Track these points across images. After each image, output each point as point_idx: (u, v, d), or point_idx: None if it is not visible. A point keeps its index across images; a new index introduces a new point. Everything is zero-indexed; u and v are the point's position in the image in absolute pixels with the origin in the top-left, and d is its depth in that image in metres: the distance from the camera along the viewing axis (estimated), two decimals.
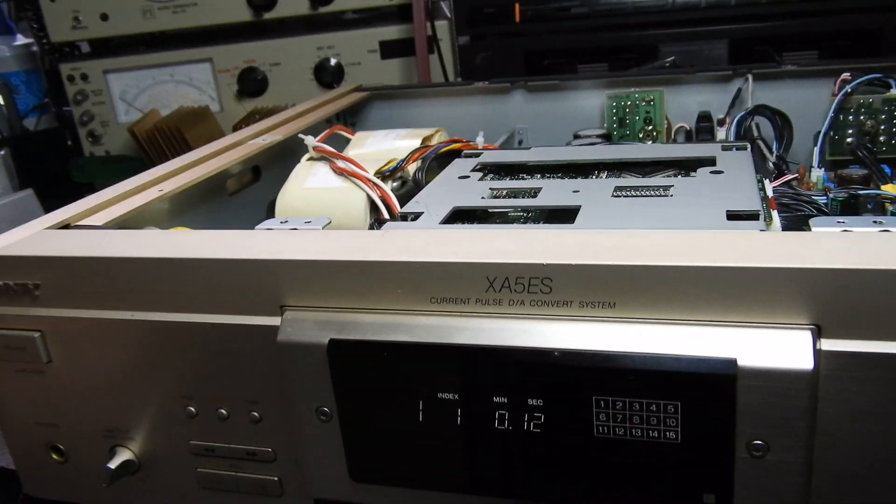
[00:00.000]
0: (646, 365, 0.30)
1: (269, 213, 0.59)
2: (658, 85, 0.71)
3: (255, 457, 0.38)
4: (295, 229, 0.39)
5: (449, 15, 1.02)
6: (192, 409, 0.38)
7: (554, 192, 0.44)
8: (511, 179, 0.50)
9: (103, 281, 0.37)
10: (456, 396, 0.33)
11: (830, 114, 0.65)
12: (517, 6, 0.98)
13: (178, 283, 0.36)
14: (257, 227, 0.41)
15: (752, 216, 0.37)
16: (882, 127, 0.65)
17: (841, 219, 0.33)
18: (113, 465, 0.40)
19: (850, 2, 0.87)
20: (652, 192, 0.43)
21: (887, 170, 0.60)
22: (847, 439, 0.29)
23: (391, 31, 1.04)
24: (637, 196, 0.43)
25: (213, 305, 0.36)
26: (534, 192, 0.45)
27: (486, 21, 0.99)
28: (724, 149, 0.50)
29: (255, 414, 0.37)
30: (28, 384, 0.41)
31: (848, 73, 0.66)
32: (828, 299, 0.28)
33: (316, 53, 1.05)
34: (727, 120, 0.65)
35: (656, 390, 0.30)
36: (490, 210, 0.44)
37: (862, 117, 0.66)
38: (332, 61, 1.05)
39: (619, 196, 0.43)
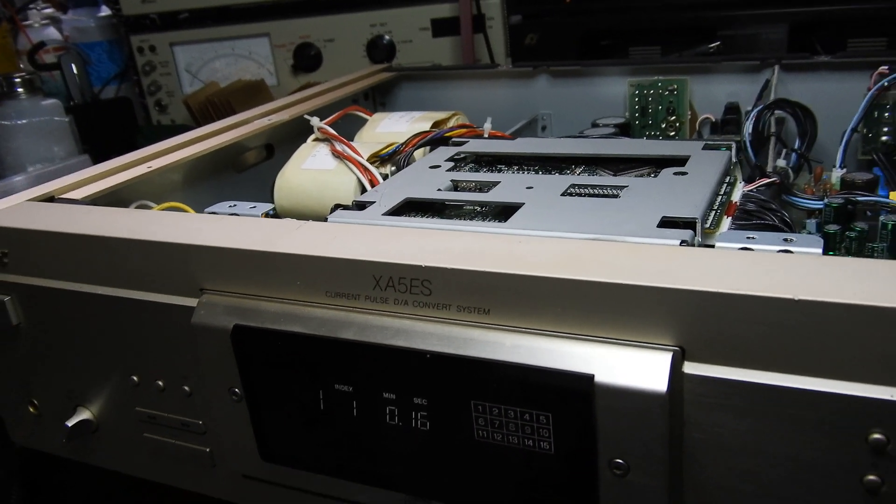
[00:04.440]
0: (514, 374, 0.29)
1: (272, 192, 0.61)
2: (684, 73, 0.68)
3: (188, 428, 0.40)
4: (235, 214, 0.41)
5: None
6: (136, 378, 0.41)
7: (509, 187, 0.44)
8: (482, 171, 0.50)
9: (59, 254, 0.40)
10: (351, 389, 0.33)
11: (861, 109, 0.60)
12: None
13: (117, 261, 0.38)
14: (206, 209, 0.43)
15: (686, 224, 0.36)
16: None
17: (752, 234, 0.32)
18: (70, 422, 0.43)
19: None
20: (601, 193, 0.42)
21: None
22: (715, 467, 0.28)
23: (443, 9, 1.04)
24: (585, 196, 0.42)
25: (146, 284, 0.38)
26: (489, 186, 0.45)
27: (538, 0, 0.98)
28: (706, 147, 0.48)
29: (186, 388, 0.39)
30: (4, 343, 0.44)
31: (886, 67, 0.61)
32: (692, 322, 0.27)
33: (369, 30, 1.06)
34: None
35: (527, 400, 0.30)
36: (443, 202, 0.44)
37: None
38: (385, 38, 1.06)
39: (569, 195, 0.42)
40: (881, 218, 0.45)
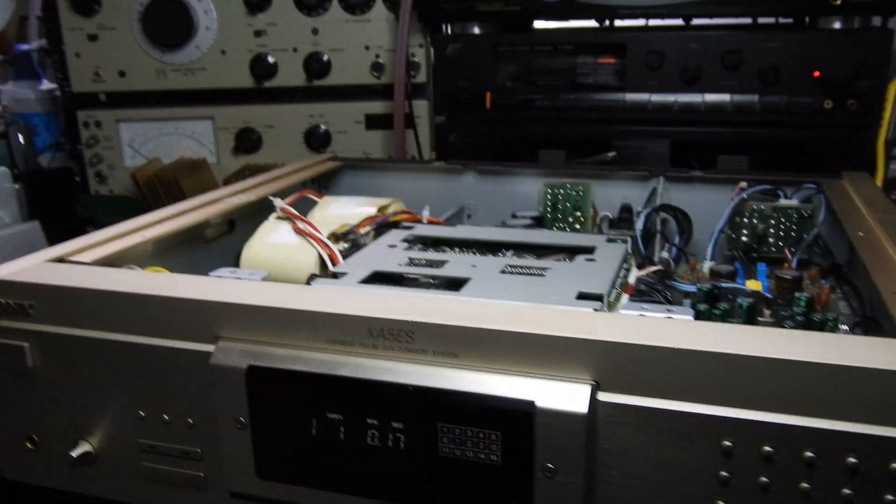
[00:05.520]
0: (475, 401, 0.40)
1: (238, 260, 0.69)
2: (588, 178, 0.82)
3: (187, 455, 0.48)
4: (238, 278, 0.50)
5: (429, 97, 1.14)
6: (142, 413, 0.48)
7: (457, 265, 0.55)
8: (431, 251, 0.61)
9: (80, 307, 0.48)
10: (340, 416, 0.43)
11: (726, 215, 0.75)
12: (489, 95, 1.10)
13: (136, 313, 0.46)
14: (210, 273, 0.51)
15: (597, 297, 0.48)
16: (771, 230, 0.76)
17: (646, 305, 0.44)
18: (74, 453, 0.50)
19: (779, 117, 0.99)
20: (531, 272, 0.54)
21: (762, 268, 0.70)
22: (618, 469, 0.39)
23: (376, 106, 1.16)
24: (519, 274, 0.53)
25: (164, 332, 0.46)
26: (440, 264, 0.55)
27: (461, 105, 1.11)
28: (608, 241, 0.61)
29: (190, 421, 0.47)
30: (14, 385, 0.51)
31: (744, 183, 0.77)
32: (604, 363, 0.38)
33: (308, 120, 1.17)
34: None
35: (483, 422, 0.40)
36: (404, 275, 0.55)
37: (755, 220, 0.77)
38: (322, 128, 1.17)
39: (506, 273, 0.53)
40: (738, 300, 0.58)
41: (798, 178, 0.76)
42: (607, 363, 0.38)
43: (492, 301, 0.46)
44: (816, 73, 0.95)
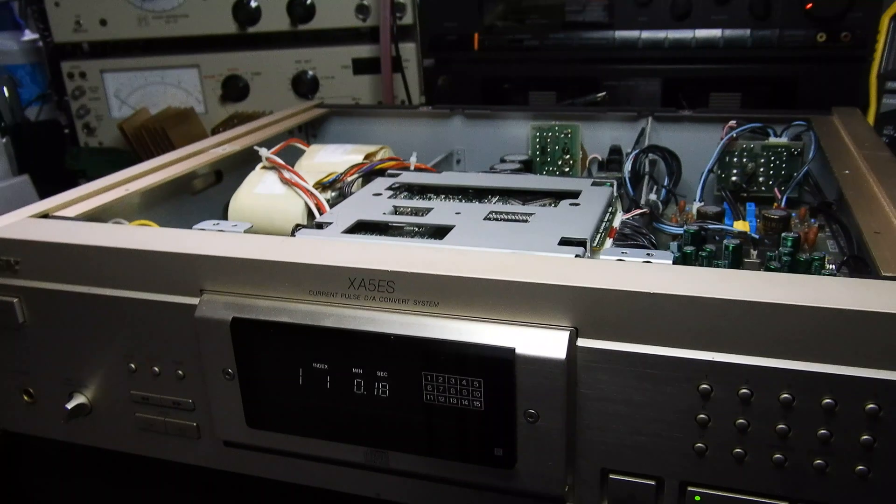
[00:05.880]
0: (457, 350, 0.40)
1: (226, 212, 0.69)
2: (576, 120, 0.82)
3: (179, 406, 0.49)
4: (221, 231, 0.50)
5: (416, 39, 1.13)
6: (133, 366, 0.49)
7: (441, 212, 0.55)
8: (416, 199, 0.61)
9: (67, 262, 0.48)
10: (326, 366, 0.43)
11: (715, 155, 0.75)
12: (476, 35, 1.08)
13: (122, 267, 0.47)
14: (194, 226, 0.51)
15: (579, 242, 0.48)
16: (761, 169, 0.76)
17: (627, 250, 0.44)
18: (69, 405, 0.51)
19: (771, 52, 0.98)
20: (515, 218, 0.54)
21: (751, 207, 0.70)
22: (599, 413, 0.40)
23: (363, 50, 1.14)
24: (503, 220, 0.53)
25: (150, 286, 0.47)
26: (425, 211, 0.55)
27: (449, 47, 1.10)
28: (594, 184, 0.60)
29: (180, 372, 0.48)
30: (7, 340, 0.52)
31: (734, 121, 0.76)
32: (583, 309, 0.39)
33: (294, 66, 1.16)
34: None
35: (465, 369, 0.40)
36: (388, 224, 0.55)
37: (745, 160, 0.76)
38: (309, 74, 1.16)
39: (490, 219, 0.53)
40: (724, 241, 0.59)
41: (788, 115, 0.75)
42: (585, 309, 0.39)
43: (474, 249, 0.46)
44: (809, 5, 0.93)
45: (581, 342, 0.39)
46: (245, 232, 0.50)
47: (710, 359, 0.37)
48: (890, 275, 0.39)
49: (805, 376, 0.36)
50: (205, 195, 0.73)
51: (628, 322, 0.38)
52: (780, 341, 0.36)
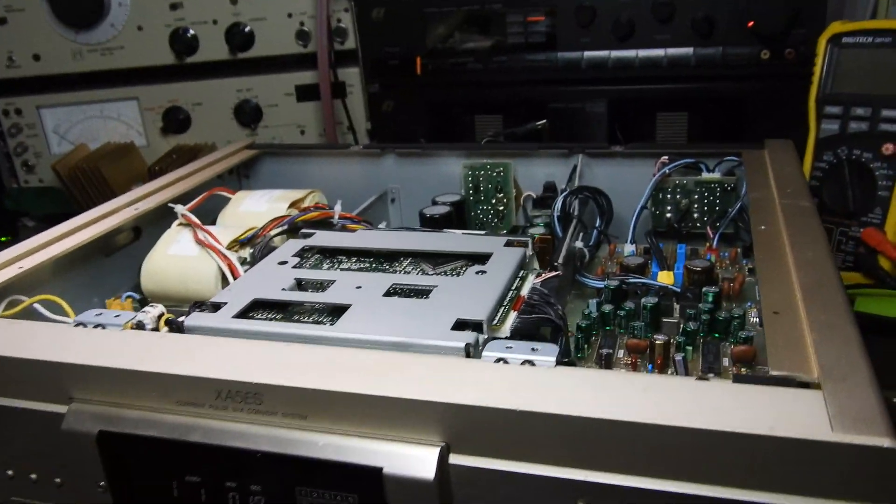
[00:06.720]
0: (324, 467, 0.38)
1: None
2: (508, 157, 0.79)
3: None
4: (99, 324, 0.47)
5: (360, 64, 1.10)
6: (10, 472, 0.47)
7: (342, 287, 0.52)
8: (324, 265, 0.58)
9: None
10: (199, 479, 0.41)
11: (647, 192, 0.73)
12: (419, 59, 1.05)
13: None
14: (76, 317, 0.49)
15: (475, 325, 0.46)
16: (695, 205, 0.74)
17: (510, 344, 0.41)
18: None
19: (716, 70, 0.95)
20: (417, 289, 0.51)
21: (681, 250, 0.68)
22: None
23: (306, 77, 1.12)
24: (402, 296, 0.51)
25: (17, 393, 0.44)
26: (326, 286, 0.53)
27: (392, 72, 1.07)
28: (507, 244, 0.58)
29: (58, 480, 0.46)
30: None
31: (666, 157, 0.74)
32: (453, 425, 0.36)
33: (236, 95, 1.13)
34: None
35: (339, 486, 0.38)
36: (285, 302, 0.52)
37: (678, 196, 0.74)
38: (252, 102, 1.13)
39: (390, 294, 0.51)
40: (643, 300, 0.56)
41: (720, 149, 0.73)
42: (456, 425, 0.36)
43: (361, 337, 0.44)
44: (751, 24, 0.91)
45: (453, 459, 0.37)
46: (128, 325, 0.48)
47: (585, 479, 0.35)
48: (778, 374, 0.36)
49: (684, 499, 0.34)
50: (125, 252, 0.70)
51: (500, 438, 0.36)
52: (658, 460, 0.34)
